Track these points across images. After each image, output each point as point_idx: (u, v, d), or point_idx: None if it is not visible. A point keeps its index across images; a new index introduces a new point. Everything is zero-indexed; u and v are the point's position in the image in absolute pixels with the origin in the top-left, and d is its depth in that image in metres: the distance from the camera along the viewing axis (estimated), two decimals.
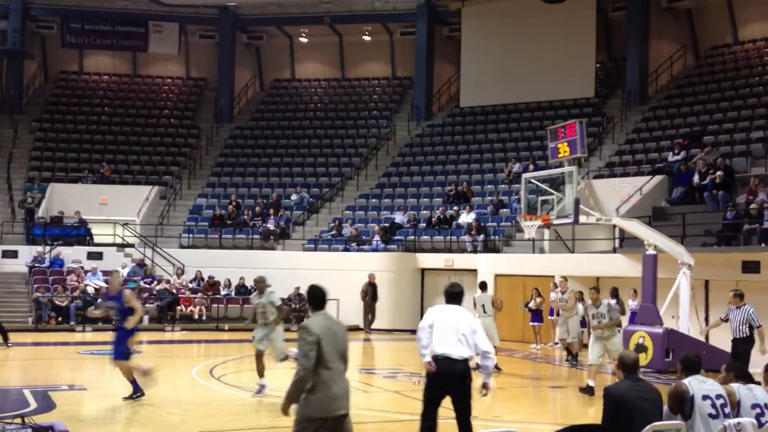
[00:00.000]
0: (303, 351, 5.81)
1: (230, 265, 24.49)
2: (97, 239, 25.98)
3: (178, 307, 22.89)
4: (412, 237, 25.00)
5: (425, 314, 7.57)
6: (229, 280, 24.10)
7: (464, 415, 7.24)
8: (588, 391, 12.26)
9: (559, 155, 17.22)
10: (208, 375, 13.99)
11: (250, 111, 34.20)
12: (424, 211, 26.33)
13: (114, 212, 26.53)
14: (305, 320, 5.98)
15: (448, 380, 7.17)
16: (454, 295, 7.54)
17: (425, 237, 24.95)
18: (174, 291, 23.24)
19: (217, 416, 10.41)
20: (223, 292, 23.84)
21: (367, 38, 34.03)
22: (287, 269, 23.65)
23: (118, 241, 25.87)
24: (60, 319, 21.72)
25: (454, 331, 7.20)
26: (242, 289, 23.82)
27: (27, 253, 24.19)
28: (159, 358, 17.38)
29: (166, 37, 33.75)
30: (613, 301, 15.20)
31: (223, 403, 11.49)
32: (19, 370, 15.51)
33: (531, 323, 20.02)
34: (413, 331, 22.94)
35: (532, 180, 18.42)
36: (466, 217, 24.56)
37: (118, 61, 35.04)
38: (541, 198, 18.15)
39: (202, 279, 24.11)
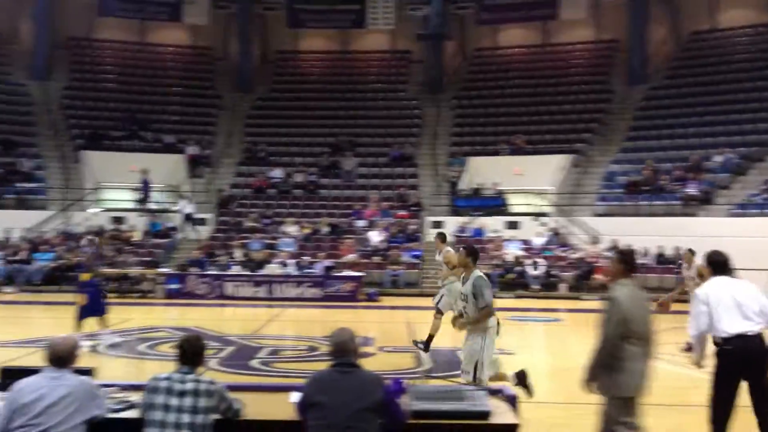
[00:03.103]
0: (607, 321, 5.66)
1: (647, 233, 23.29)
2: (513, 209, 26.74)
3: (594, 276, 22.47)
4: None
5: (701, 293, 6.38)
6: (646, 249, 22.98)
7: (763, 401, 6.16)
8: None
9: None
10: None
11: (664, 69, 32.19)
12: None
13: (529, 182, 27.03)
14: (613, 291, 5.68)
15: (745, 362, 6.12)
16: (722, 264, 6.53)
17: None
18: (589, 260, 22.89)
19: (653, 390, 9.80)
20: (640, 261, 22.83)
21: None
22: (710, 237, 21.59)
23: (533, 210, 26.31)
24: None
25: (736, 304, 6.18)
26: (661, 258, 22.57)
27: (452, 223, 25.81)
28: (577, 326, 17.23)
29: (576, 2, 33.27)
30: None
31: (657, 377, 10.78)
32: (446, 333, 16.49)
33: None
34: None
35: None
36: None
37: (529, 32, 35.54)
38: None
39: (618, 247, 23.35)
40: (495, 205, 26.66)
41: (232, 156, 30.74)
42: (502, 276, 22.74)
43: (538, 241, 24.49)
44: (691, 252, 13.41)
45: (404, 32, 35.12)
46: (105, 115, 31.05)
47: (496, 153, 29.14)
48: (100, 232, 23.30)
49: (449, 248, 12.17)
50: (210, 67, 35.07)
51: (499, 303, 21.42)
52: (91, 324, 12.66)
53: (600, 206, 25.84)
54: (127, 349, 12.14)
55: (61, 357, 4.58)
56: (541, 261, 22.92)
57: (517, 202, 26.92)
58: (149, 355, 11.74)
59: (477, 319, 7.50)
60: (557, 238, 24.57)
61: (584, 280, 22.42)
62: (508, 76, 34.18)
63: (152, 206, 26.53)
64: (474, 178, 27.91)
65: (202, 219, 26.32)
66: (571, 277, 22.63)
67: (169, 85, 33.66)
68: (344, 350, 4.59)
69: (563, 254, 23.63)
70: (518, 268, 22.86)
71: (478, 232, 25.32)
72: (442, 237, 12.31)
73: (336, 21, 35.38)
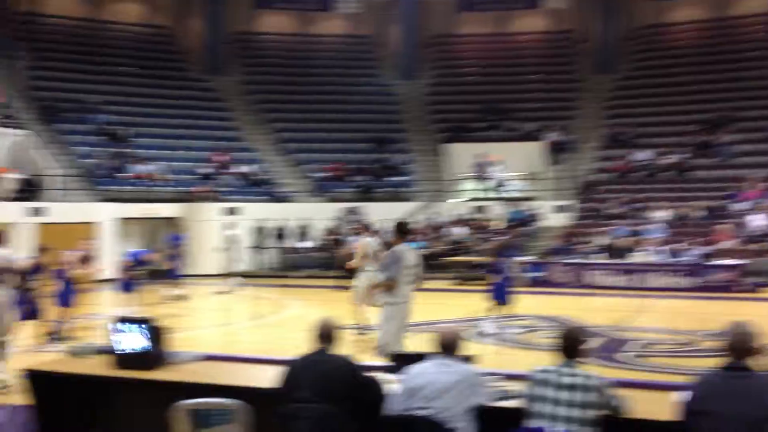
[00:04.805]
0: None
1: None
2: None
3: None
4: None
5: None
6: None
7: None
8: None
9: None
10: None
11: None
12: None
13: None
14: None
15: None
16: None
17: None
18: None
19: None
20: None
21: None
22: None
23: None
24: None
25: None
26: None
27: None
28: None
29: None
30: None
31: None
32: None
33: None
34: None
35: None
36: None
37: None
38: None
39: None
40: None
41: (593, 140, 29.36)
42: None
43: None
44: None
45: None
46: (466, 108, 31.64)
47: None
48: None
49: (366, 239, 12.35)
50: (570, 51, 33.99)
51: None
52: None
53: None
54: (496, 337, 11.87)
55: (448, 346, 4.84)
56: None
57: None
58: (518, 344, 11.41)
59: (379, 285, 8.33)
60: None
61: None
62: None
63: (513, 194, 26.35)
64: None
65: (564, 206, 25.47)
66: None
67: (529, 72, 33.32)
68: (741, 349, 4.04)
69: None
70: None
71: None
72: (364, 226, 13.41)
73: None
